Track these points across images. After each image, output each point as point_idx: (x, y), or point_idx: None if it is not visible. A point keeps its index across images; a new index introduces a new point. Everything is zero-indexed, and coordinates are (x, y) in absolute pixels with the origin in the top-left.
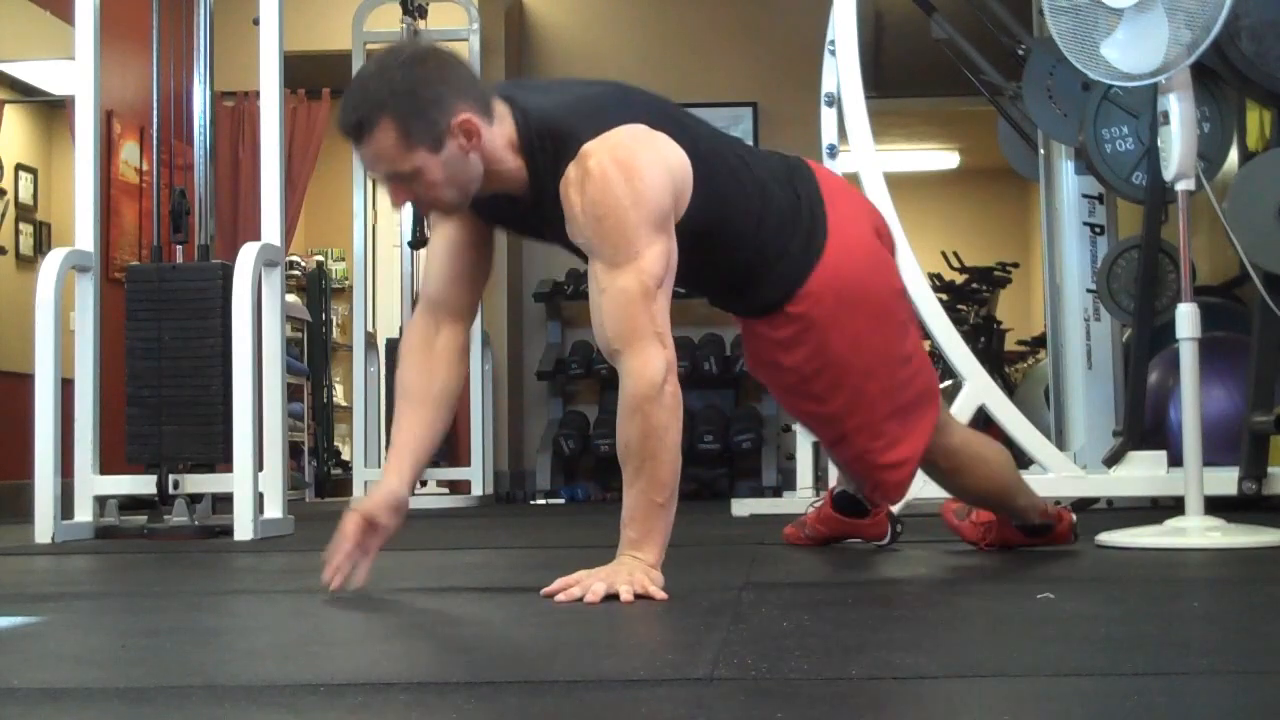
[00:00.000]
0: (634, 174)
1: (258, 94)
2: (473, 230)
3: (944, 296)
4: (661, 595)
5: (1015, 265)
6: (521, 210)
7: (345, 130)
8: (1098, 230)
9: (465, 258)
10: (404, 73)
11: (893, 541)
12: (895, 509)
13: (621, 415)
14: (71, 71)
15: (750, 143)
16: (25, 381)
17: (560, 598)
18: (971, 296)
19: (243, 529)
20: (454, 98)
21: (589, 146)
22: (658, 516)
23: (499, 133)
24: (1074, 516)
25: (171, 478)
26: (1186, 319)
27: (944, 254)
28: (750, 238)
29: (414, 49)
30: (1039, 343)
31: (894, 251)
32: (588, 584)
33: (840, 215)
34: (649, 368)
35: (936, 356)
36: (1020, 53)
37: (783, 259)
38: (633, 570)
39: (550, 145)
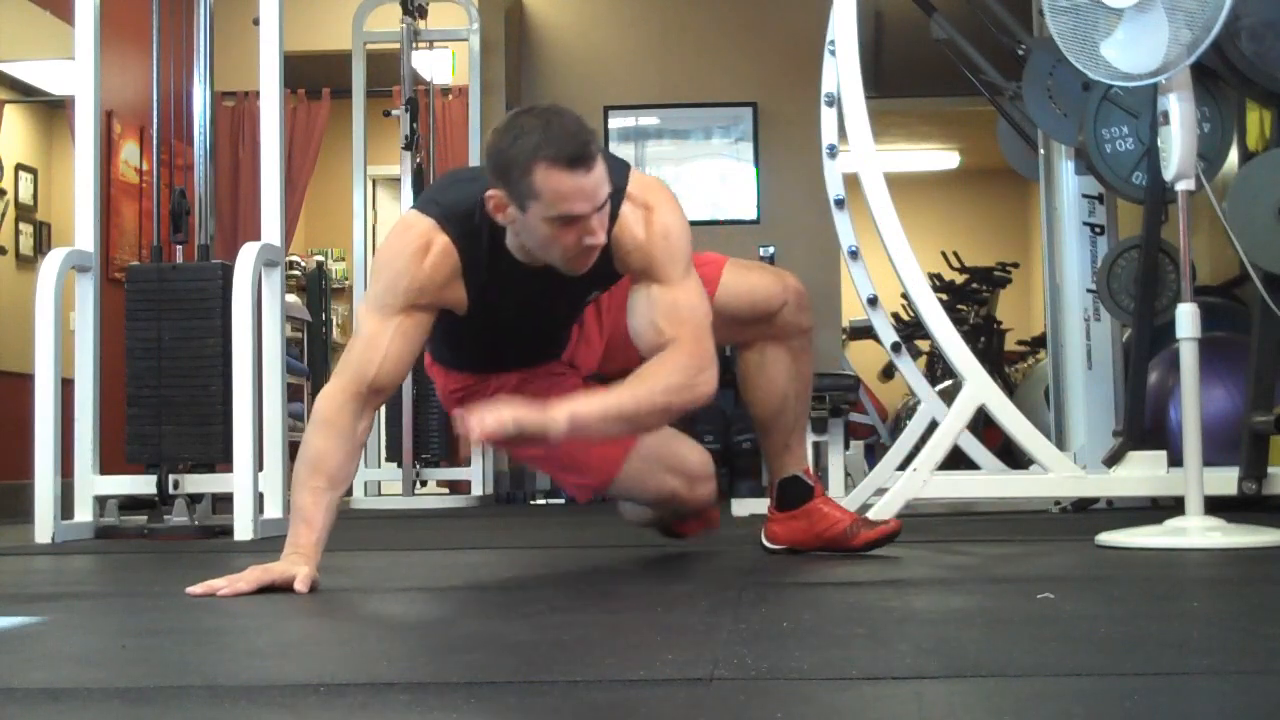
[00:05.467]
0: (679, 207)
1: (258, 94)
2: (428, 325)
3: (944, 296)
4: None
5: (1015, 265)
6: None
7: (580, 155)
8: (1098, 230)
9: (416, 349)
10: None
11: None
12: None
13: (665, 381)
14: (71, 71)
15: (750, 143)
16: (25, 381)
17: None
18: (971, 296)
19: (243, 529)
20: None
21: (637, 183)
22: (611, 411)
23: None
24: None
25: (171, 478)
26: (1186, 319)
27: (944, 254)
28: None
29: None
30: (1039, 343)
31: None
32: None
33: None
34: (713, 376)
35: (937, 356)
36: (1020, 53)
37: None
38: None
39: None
